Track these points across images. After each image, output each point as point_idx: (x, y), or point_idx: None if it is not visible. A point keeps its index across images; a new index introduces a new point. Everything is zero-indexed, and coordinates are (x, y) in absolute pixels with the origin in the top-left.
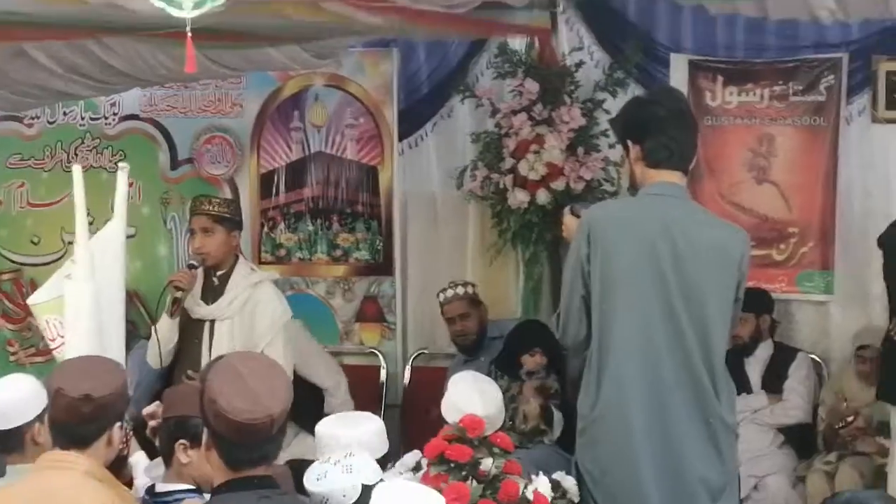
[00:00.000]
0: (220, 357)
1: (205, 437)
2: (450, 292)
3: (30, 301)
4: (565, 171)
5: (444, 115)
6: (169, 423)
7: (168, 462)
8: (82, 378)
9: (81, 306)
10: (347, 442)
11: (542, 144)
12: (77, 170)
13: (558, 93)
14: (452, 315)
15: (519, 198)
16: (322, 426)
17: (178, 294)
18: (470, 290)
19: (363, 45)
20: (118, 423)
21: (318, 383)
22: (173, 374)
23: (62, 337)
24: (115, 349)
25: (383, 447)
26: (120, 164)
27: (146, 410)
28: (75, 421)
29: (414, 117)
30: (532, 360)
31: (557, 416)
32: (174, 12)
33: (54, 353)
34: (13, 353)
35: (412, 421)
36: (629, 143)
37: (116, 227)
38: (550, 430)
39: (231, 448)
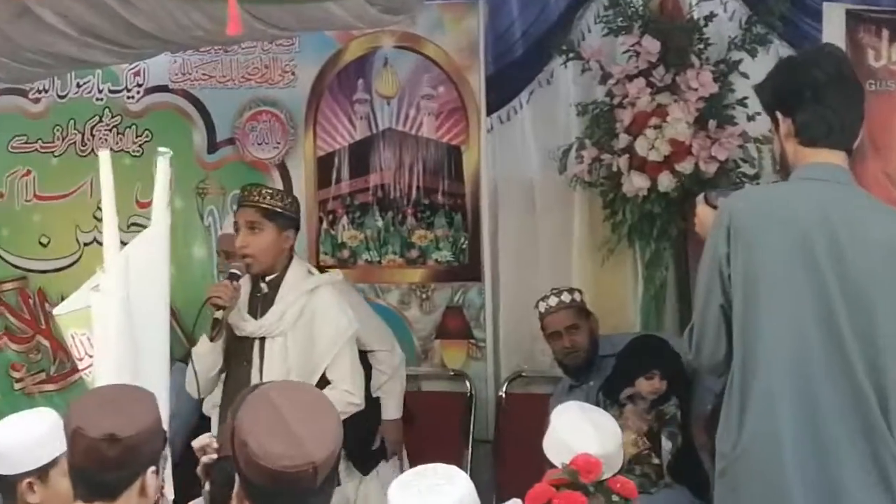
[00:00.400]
0: (255, 387)
1: (236, 487)
2: (553, 301)
3: (55, 311)
4: (693, 149)
5: (542, 81)
6: (225, 465)
7: None
8: (105, 414)
9: (110, 324)
10: None
11: (665, 117)
12: (105, 156)
13: (684, 53)
14: (557, 328)
15: (636, 183)
16: (395, 493)
17: (219, 314)
18: (577, 297)
19: None
20: (152, 468)
21: (365, 346)
22: (221, 404)
23: (90, 356)
24: (155, 377)
25: None
26: (160, 150)
27: (197, 443)
28: (98, 467)
29: (505, 85)
30: (649, 385)
31: (666, 446)
32: None
33: (82, 374)
34: (19, 380)
35: (507, 460)
36: (779, 115)
37: (158, 229)
38: (660, 462)
39: (267, 500)
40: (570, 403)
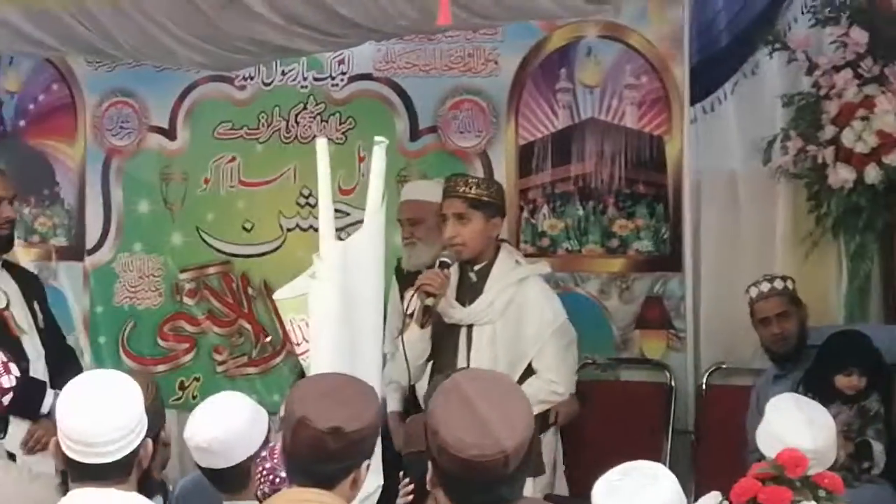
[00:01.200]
0: (447, 375)
1: (429, 473)
2: (765, 286)
3: (275, 296)
4: None
5: (747, 72)
6: (412, 460)
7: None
8: (331, 406)
9: (326, 312)
10: None
11: (873, 109)
12: (322, 144)
13: (893, 44)
14: (767, 314)
15: (842, 175)
16: (600, 494)
17: (430, 301)
18: (790, 284)
19: None
20: (367, 462)
21: None
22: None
23: (307, 342)
24: (368, 368)
25: None
26: (376, 139)
27: None
28: (320, 458)
29: (710, 75)
30: (847, 382)
31: (877, 448)
32: None
33: (300, 359)
34: (221, 363)
35: (708, 452)
36: None
37: (373, 218)
38: (871, 465)
39: (458, 488)
40: (785, 396)
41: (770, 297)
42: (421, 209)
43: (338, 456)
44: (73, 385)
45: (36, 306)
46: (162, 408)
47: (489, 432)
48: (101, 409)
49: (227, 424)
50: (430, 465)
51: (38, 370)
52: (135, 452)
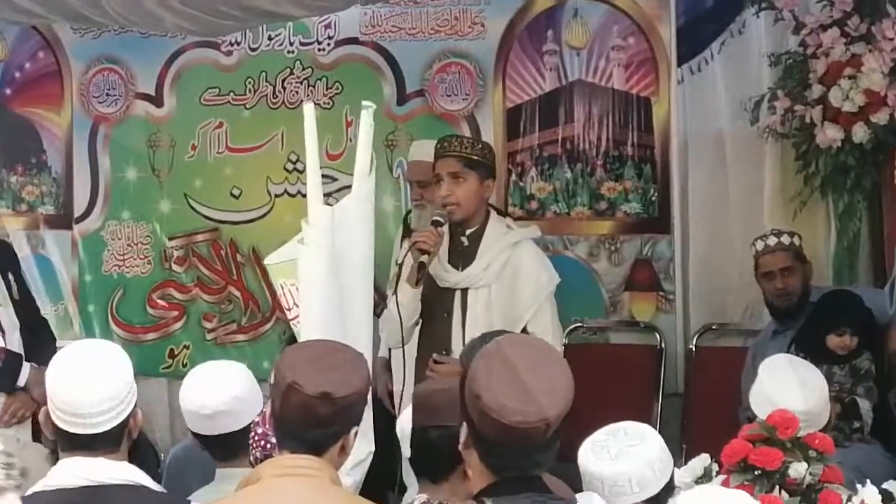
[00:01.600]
0: (486, 337)
1: (463, 434)
2: (771, 241)
3: (265, 261)
4: (889, 100)
5: (733, 31)
6: (429, 433)
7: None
8: (320, 371)
9: (314, 277)
10: (616, 481)
11: (860, 67)
12: (309, 109)
13: (880, 2)
14: (772, 269)
15: (830, 135)
16: (586, 454)
17: (424, 258)
18: (796, 241)
19: None
20: (355, 428)
21: None
22: (418, 354)
23: (298, 307)
24: (358, 332)
25: (663, 477)
26: (364, 104)
27: None
28: (308, 423)
29: (696, 36)
30: (839, 341)
31: (864, 405)
32: None
33: (291, 324)
34: (211, 330)
35: (698, 414)
36: None
37: (362, 183)
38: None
39: (495, 452)
40: (779, 356)
41: (776, 252)
42: (429, 170)
43: (327, 422)
44: (64, 354)
45: (10, 277)
46: None
47: (532, 399)
48: (91, 379)
49: (231, 391)
50: (464, 426)
51: (13, 342)
52: (125, 422)
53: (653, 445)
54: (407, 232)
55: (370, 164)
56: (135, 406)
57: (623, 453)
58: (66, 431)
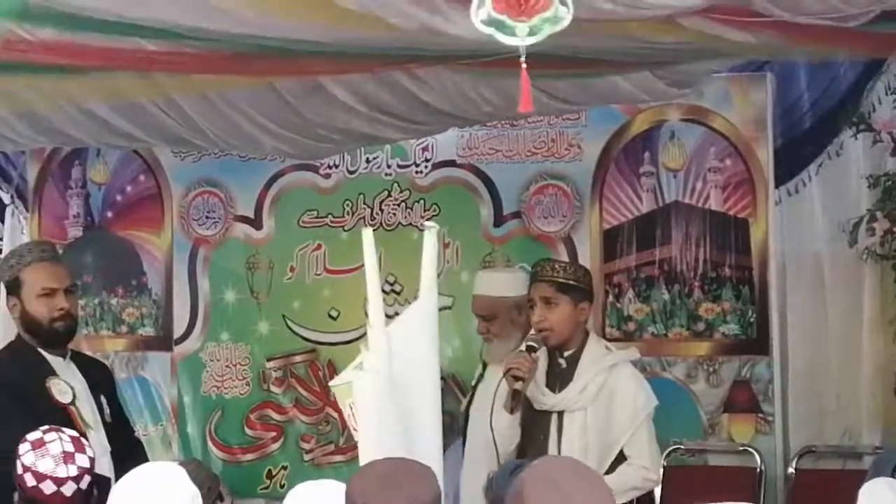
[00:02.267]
0: (521, 464)
1: None
2: None
3: (331, 383)
4: None
5: (832, 153)
6: None
7: None
8: (387, 490)
9: (368, 403)
10: None
11: None
12: (367, 234)
13: None
14: None
15: None
16: None
17: (518, 385)
18: None
19: (730, 70)
20: None
21: None
22: None
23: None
24: (428, 453)
25: None
26: (426, 224)
27: None
28: None
29: (794, 157)
30: None
31: None
32: (506, 40)
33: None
34: (308, 451)
35: None
36: None
37: (425, 303)
38: None
39: None
40: (879, 480)
41: None
42: (493, 305)
43: None
44: (127, 476)
45: (102, 399)
46: (212, 483)
47: None
48: (146, 498)
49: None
50: None
51: (103, 466)
52: None
53: None
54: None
55: (434, 282)
56: None
57: None
58: None
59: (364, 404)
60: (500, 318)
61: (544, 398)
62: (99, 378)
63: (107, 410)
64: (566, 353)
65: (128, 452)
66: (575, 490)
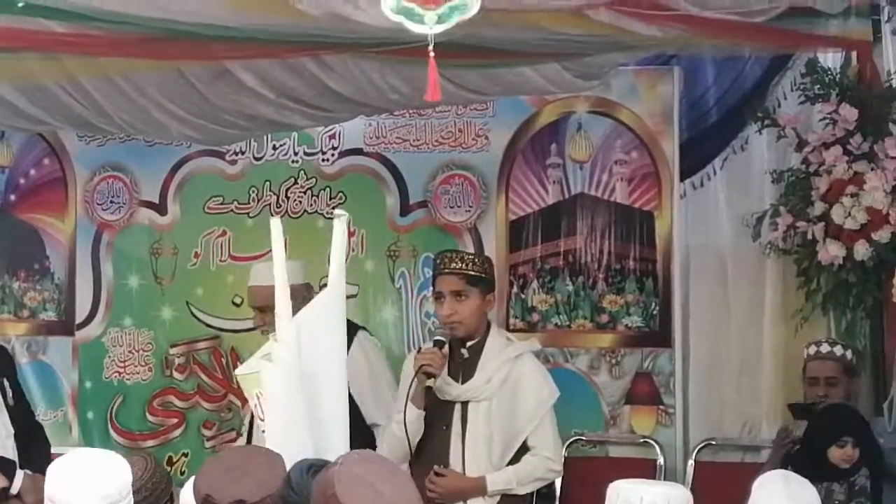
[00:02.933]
0: (327, 465)
1: None
2: (824, 348)
3: (237, 371)
4: (891, 218)
5: (736, 148)
6: None
7: None
8: (233, 480)
9: (276, 394)
10: None
11: (862, 185)
12: (276, 224)
13: (882, 121)
14: (817, 375)
15: (832, 252)
16: None
17: (430, 382)
18: (848, 354)
19: (637, 63)
20: None
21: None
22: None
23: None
24: (335, 442)
25: None
26: (336, 212)
27: None
28: None
29: (699, 151)
30: (841, 453)
31: None
32: (414, 27)
33: (264, 436)
34: (210, 438)
35: None
36: None
37: (333, 292)
38: None
39: None
40: (773, 473)
41: (826, 360)
42: (270, 296)
43: None
44: (63, 458)
45: (5, 383)
46: (165, 484)
47: None
48: (86, 481)
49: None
50: None
51: (7, 449)
52: None
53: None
54: None
55: (342, 271)
56: None
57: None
58: None
59: (272, 395)
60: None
61: (449, 388)
62: (0, 361)
63: (9, 393)
64: (469, 344)
65: (30, 436)
66: (384, 486)
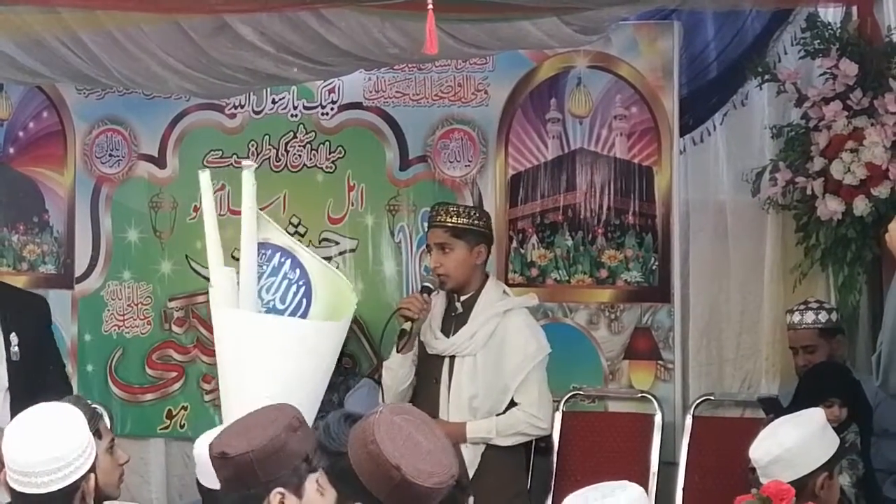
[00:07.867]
0: (350, 414)
1: None
2: (796, 317)
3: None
4: (890, 173)
5: (736, 103)
6: None
7: None
8: (230, 435)
9: (219, 336)
10: None
11: (861, 140)
12: (205, 177)
13: (882, 76)
14: (795, 345)
15: (831, 207)
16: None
17: (406, 325)
18: (822, 317)
19: (637, 18)
20: (277, 490)
21: None
22: None
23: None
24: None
25: None
26: (244, 163)
27: None
28: (223, 487)
29: (699, 106)
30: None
31: (845, 480)
32: None
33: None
34: (209, 392)
35: (694, 483)
36: None
37: (244, 246)
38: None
39: None
40: (784, 418)
41: (800, 331)
42: None
43: (234, 483)
44: (20, 416)
45: (12, 337)
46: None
47: (438, 460)
48: (39, 439)
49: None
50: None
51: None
52: (76, 485)
53: (632, 491)
54: None
55: (254, 220)
56: (90, 471)
57: (605, 497)
58: (17, 492)
59: (217, 336)
60: None
61: (436, 342)
62: (15, 314)
63: (14, 347)
64: (463, 297)
65: (44, 390)
66: (421, 437)
